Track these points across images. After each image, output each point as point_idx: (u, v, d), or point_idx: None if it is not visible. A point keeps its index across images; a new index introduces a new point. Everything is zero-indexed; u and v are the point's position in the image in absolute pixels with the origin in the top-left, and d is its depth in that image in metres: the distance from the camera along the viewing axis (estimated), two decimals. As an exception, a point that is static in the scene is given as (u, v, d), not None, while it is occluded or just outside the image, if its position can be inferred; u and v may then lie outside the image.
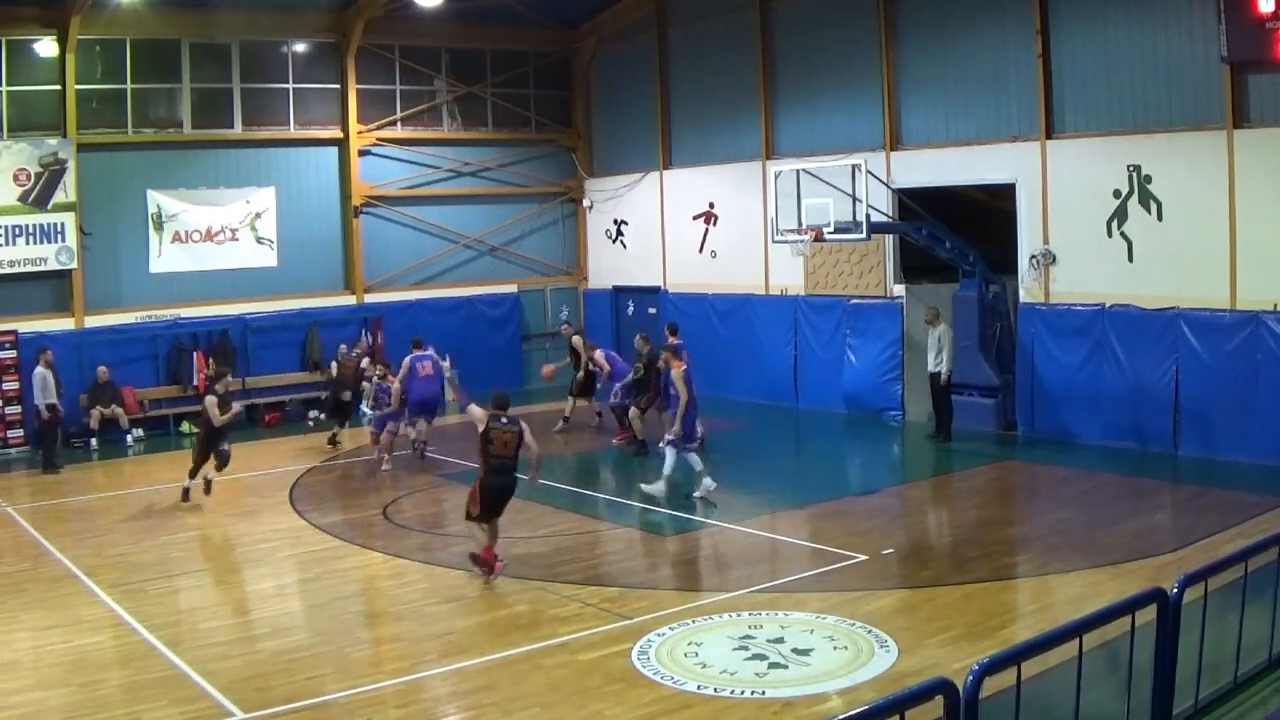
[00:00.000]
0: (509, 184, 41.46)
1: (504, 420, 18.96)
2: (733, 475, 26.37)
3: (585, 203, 42.35)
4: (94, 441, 32.43)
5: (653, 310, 39.57)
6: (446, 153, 40.20)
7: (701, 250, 37.86)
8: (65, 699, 14.36)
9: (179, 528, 23.31)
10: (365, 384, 35.51)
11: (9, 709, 14.26)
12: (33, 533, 23.29)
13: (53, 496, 27.18)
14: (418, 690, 14.38)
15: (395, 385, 28.54)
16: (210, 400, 25.11)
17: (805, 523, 22.20)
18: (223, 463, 25.20)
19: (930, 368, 29.18)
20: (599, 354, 31.30)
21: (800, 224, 28.84)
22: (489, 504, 18.81)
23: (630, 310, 40.76)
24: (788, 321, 34.12)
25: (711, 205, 37.49)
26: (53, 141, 33.32)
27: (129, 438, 33.11)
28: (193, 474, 25.08)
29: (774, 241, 30.94)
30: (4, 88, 33.09)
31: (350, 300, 38.53)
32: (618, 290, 41.43)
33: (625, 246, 41.17)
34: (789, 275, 34.43)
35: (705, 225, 37.77)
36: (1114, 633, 10.76)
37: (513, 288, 41.11)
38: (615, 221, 41.38)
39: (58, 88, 33.63)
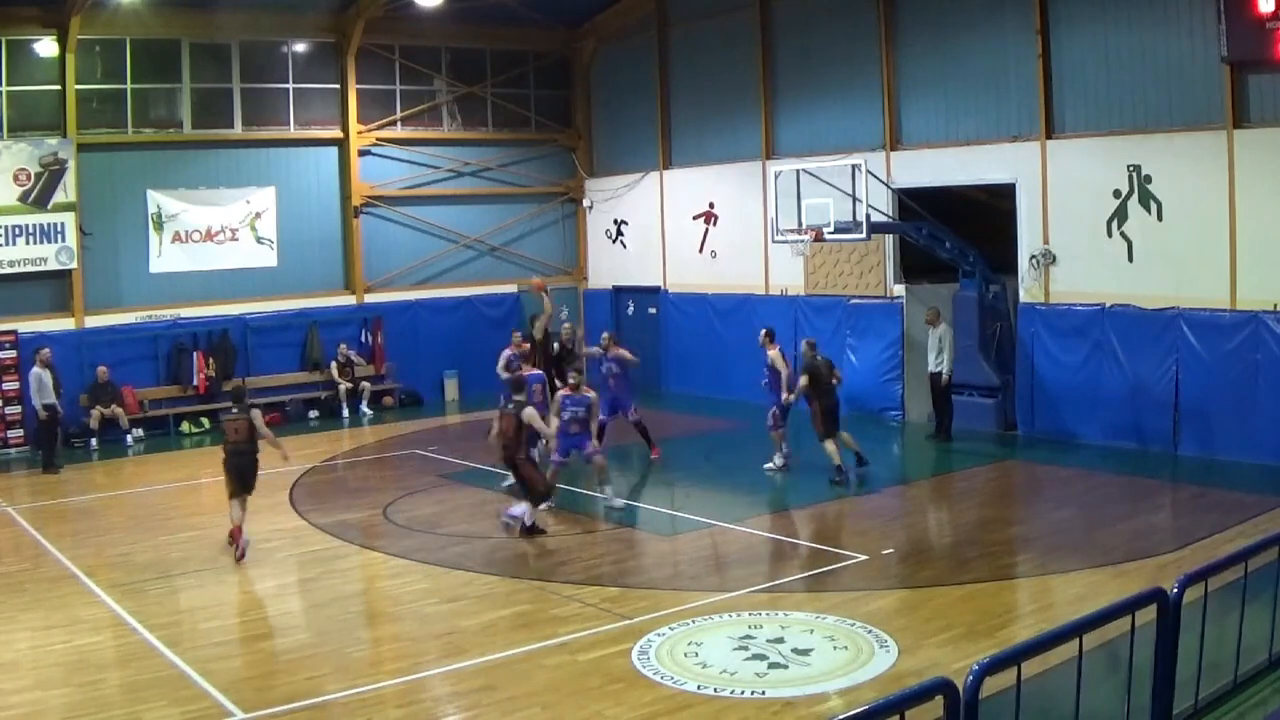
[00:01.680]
0: (509, 184, 41.46)
1: (234, 410, 21.39)
2: (733, 475, 26.44)
3: (585, 203, 42.33)
4: (94, 441, 32.45)
5: (653, 310, 39.58)
6: (446, 153, 40.20)
7: (701, 250, 37.85)
8: (65, 699, 14.37)
9: (179, 528, 23.32)
10: (365, 384, 35.71)
11: (9, 709, 14.25)
12: (33, 533, 23.30)
13: (53, 496, 27.20)
14: (418, 690, 14.40)
15: (593, 394, 24.46)
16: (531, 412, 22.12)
17: (805, 523, 22.24)
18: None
19: (931, 368, 29.34)
20: (776, 352, 27.31)
21: (800, 224, 28.82)
22: (229, 480, 21.25)
23: (630, 310, 40.75)
24: (788, 321, 34.02)
25: (711, 205, 37.48)
26: (53, 141, 33.34)
27: (129, 438, 33.12)
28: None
29: (774, 241, 30.92)
30: (4, 88, 33.11)
31: (350, 300, 38.53)
32: (618, 290, 41.40)
33: (625, 246, 41.15)
34: (789, 275, 34.42)
35: (705, 225, 37.76)
36: (1114, 633, 10.76)
37: (513, 288, 41.10)
38: (615, 221, 41.37)
39: (58, 88, 33.65)
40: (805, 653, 14.74)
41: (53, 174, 33.27)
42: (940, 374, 28.96)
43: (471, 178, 40.76)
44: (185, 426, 34.70)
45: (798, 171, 29.31)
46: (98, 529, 23.77)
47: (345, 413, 36.35)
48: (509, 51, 41.18)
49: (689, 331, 34.64)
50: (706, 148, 37.73)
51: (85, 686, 14.65)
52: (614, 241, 41.54)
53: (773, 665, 14.38)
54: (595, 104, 42.44)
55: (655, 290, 39.71)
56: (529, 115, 41.97)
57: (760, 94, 35.59)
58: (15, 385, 32.18)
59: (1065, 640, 9.64)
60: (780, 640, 15.21)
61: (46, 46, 33.54)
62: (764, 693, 13.57)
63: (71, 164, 33.44)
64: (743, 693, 13.57)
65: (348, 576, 20.00)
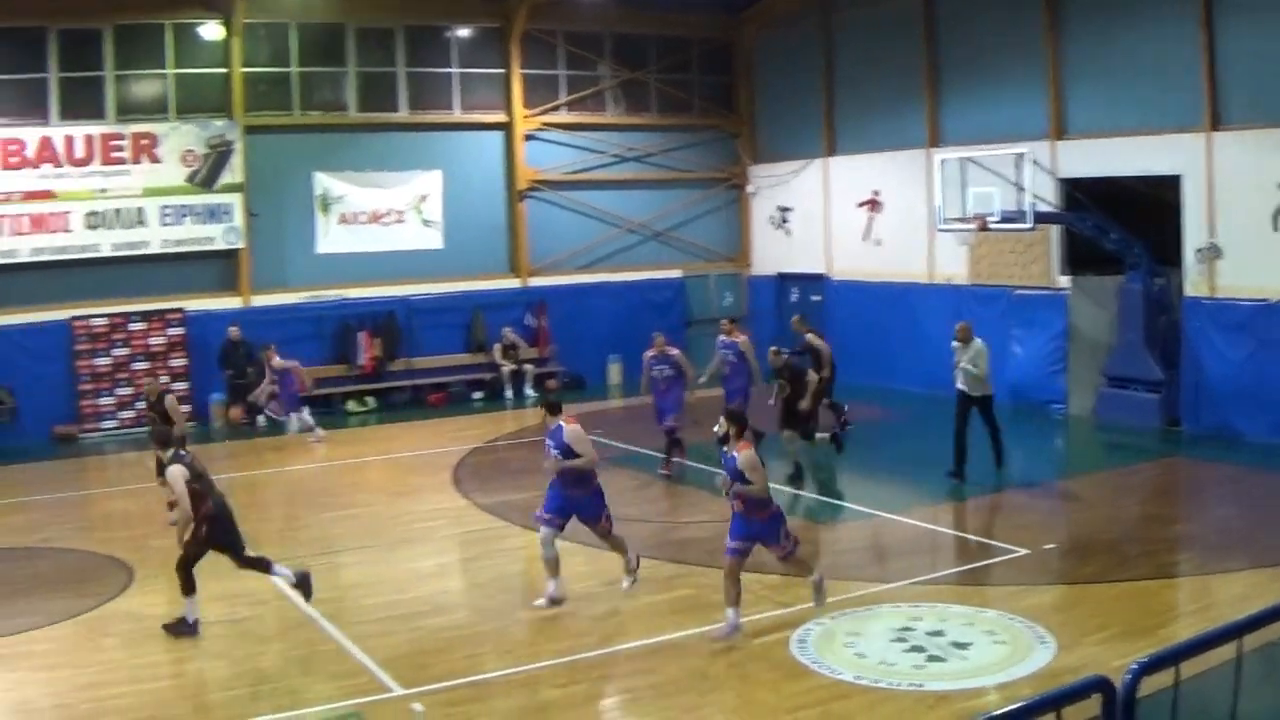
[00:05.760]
0: (673, 169, 41.47)
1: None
2: (894, 465, 26.30)
3: (749, 188, 42.20)
4: (261, 418, 32.98)
5: (816, 298, 39.40)
6: (610, 138, 40.34)
7: (866, 238, 37.64)
8: (226, 670, 14.70)
9: (342, 505, 23.66)
10: (529, 367, 36.04)
11: (170, 678, 14.66)
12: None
13: (219, 471, 27.61)
14: (576, 671, 14.51)
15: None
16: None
17: (967, 515, 22.06)
18: None
19: (969, 390, 24.50)
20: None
21: (965, 213, 28.65)
22: None
23: (794, 297, 40.59)
24: (951, 311, 33.63)
25: (876, 193, 37.20)
26: (219, 123, 34.00)
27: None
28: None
29: (939, 230, 30.74)
30: (171, 70, 33.85)
31: (515, 283, 38.82)
32: (782, 277, 41.31)
33: (789, 233, 41.00)
34: (953, 264, 34.14)
35: (870, 213, 37.53)
36: (1275, 635, 10.64)
37: (677, 273, 41.19)
38: (779, 208, 41.19)
39: (224, 70, 34.41)
40: (964, 646, 14.66)
41: (220, 155, 33.88)
42: (988, 396, 24.78)
43: (635, 163, 40.83)
44: (351, 405, 35.18)
45: (963, 160, 29.12)
46: (262, 504, 24.16)
47: (509, 395, 36.71)
48: (672, 37, 41.14)
49: (852, 319, 34.45)
50: (871, 135, 37.41)
51: (246, 658, 14.95)
52: (778, 228, 41.41)
53: (931, 658, 14.32)
54: (759, 90, 42.27)
55: (819, 278, 39.55)
56: (692, 101, 41.95)
57: (924, 81, 35.27)
58: (183, 362, 32.93)
59: (1225, 641, 9.54)
60: (940, 633, 15.14)
61: (212, 30, 34.25)
62: (922, 685, 13.53)
63: (238, 145, 34.07)
64: (900, 684, 13.54)
65: (509, 556, 20.16)
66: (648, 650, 15.02)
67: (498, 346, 37.00)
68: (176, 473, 16.02)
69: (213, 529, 16.12)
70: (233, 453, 29.77)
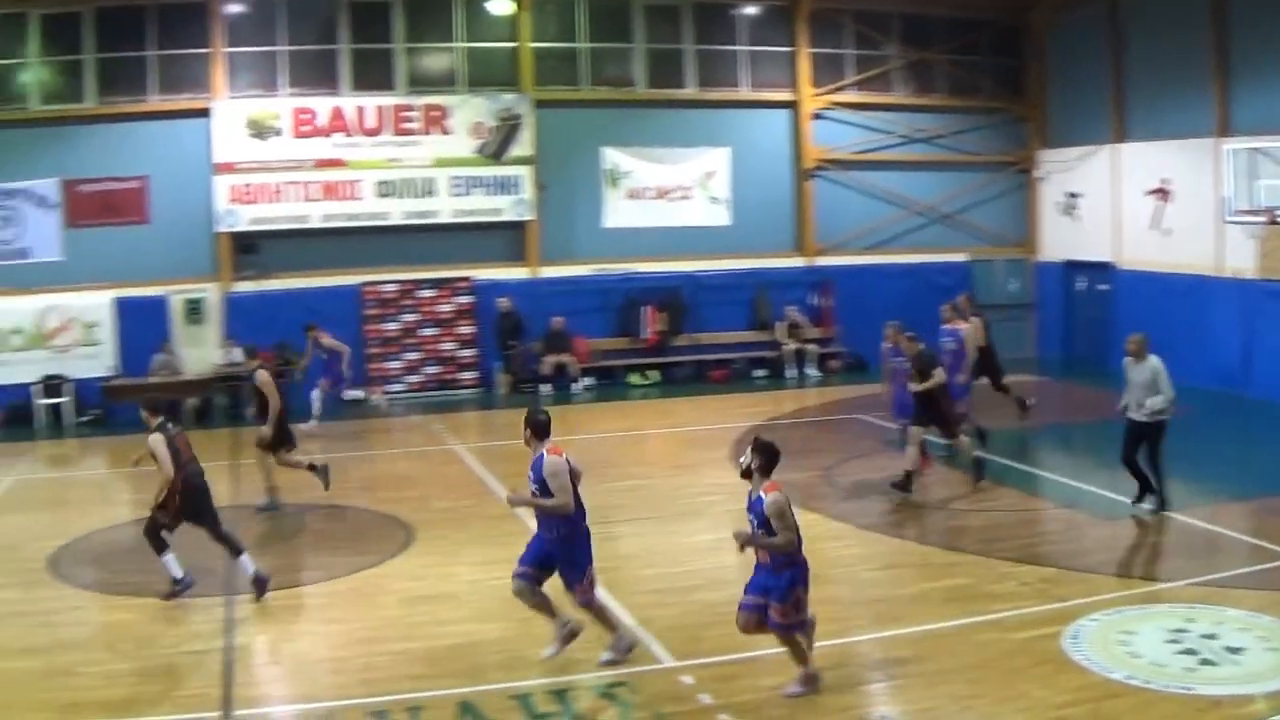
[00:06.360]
0: (960, 152, 41.02)
1: None
2: (1174, 462, 25.68)
3: (1038, 173, 41.58)
4: (545, 387, 33.52)
5: (1103, 286, 38.70)
6: (897, 118, 40.05)
7: (1154, 227, 36.83)
8: (500, 632, 15.06)
9: (621, 476, 23.88)
10: (812, 346, 36.03)
11: (446, 637, 15.04)
12: (479, 470, 24.11)
13: (499, 438, 28.04)
14: (845, 654, 14.47)
15: None
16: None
17: (1247, 516, 21.37)
18: None
19: (1143, 413, 21.42)
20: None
21: (1254, 205, 27.95)
22: None
23: (1083, 286, 39.90)
24: (1241, 305, 32.89)
25: (1165, 181, 36.35)
26: (509, 97, 34.84)
27: (578, 386, 34.14)
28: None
29: (1227, 222, 30.01)
30: (461, 44, 34.74)
31: (800, 262, 38.88)
32: (1069, 265, 40.64)
33: (1077, 220, 40.28)
34: (1242, 258, 33.14)
35: (1158, 202, 36.73)
36: None
37: (963, 257, 40.77)
38: (1068, 194, 40.52)
39: (513, 45, 35.31)
40: (1237, 651, 14.27)
41: (509, 128, 34.68)
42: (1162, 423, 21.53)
43: (922, 144, 40.51)
44: (633, 378, 35.56)
45: (1251, 151, 28.39)
46: (542, 473, 24.46)
47: (791, 374, 36.81)
48: (960, 19, 40.66)
49: (1139, 309, 33.67)
50: (1160, 122, 36.39)
51: (520, 622, 15.11)
52: (1066, 214, 40.72)
53: (1204, 661, 13.97)
54: (1048, 74, 41.55)
55: (1106, 266, 38.82)
56: (981, 83, 41.36)
57: (1213, 69, 34.22)
58: (471, 330, 33.66)
59: None
60: (1214, 636, 14.75)
61: (501, 5, 35.25)
62: (1192, 689, 13.19)
63: (527, 119, 34.83)
64: (1171, 687, 13.24)
65: (786, 535, 20.13)
66: (918, 637, 14.93)
67: (781, 325, 37.10)
68: (155, 440, 16.60)
69: (184, 503, 16.66)
70: (511, 421, 30.08)
